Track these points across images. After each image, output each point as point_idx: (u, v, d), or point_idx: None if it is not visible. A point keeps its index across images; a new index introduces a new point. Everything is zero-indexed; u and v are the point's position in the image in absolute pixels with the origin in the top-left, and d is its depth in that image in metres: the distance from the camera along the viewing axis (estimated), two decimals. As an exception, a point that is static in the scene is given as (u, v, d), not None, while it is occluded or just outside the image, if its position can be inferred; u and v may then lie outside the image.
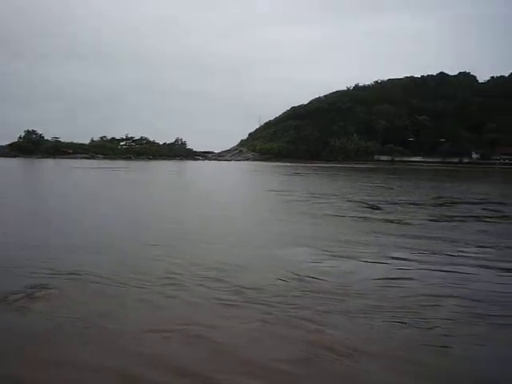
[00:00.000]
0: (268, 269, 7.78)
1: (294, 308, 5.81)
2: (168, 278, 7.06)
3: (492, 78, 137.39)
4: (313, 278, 7.22)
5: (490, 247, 10.16)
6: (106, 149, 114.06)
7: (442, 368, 4.37)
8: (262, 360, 4.41)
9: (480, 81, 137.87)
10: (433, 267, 8.11)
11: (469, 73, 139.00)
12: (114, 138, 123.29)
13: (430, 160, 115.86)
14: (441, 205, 19.47)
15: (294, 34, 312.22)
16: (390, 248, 9.78)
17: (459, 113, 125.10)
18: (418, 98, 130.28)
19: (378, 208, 17.94)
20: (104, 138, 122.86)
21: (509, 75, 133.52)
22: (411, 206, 18.92)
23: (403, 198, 21.87)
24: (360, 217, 15.03)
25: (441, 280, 7.25)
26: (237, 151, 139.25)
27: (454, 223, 13.97)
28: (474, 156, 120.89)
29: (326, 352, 4.58)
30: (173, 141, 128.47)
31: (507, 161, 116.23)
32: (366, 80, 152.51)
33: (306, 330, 5.14)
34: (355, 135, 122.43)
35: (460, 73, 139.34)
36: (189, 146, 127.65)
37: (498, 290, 6.77)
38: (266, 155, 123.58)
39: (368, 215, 15.54)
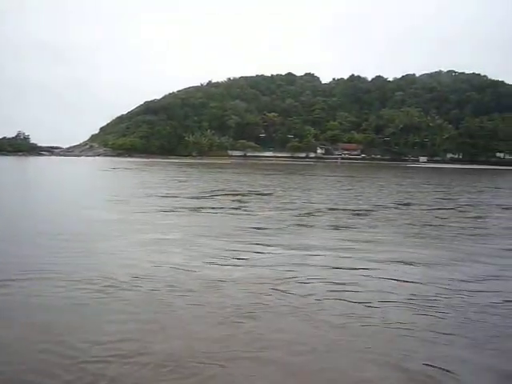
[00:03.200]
0: None
1: None
2: None
3: (333, 79, 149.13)
4: None
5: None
6: None
7: None
8: None
9: (323, 82, 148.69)
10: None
11: (313, 74, 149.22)
12: None
13: (279, 155, 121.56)
14: (195, 198, 19.61)
15: (150, 28, 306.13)
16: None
17: (306, 111, 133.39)
18: (268, 96, 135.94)
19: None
20: None
21: (348, 78, 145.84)
22: (163, 198, 18.88)
23: (169, 192, 21.79)
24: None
25: None
26: (87, 146, 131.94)
27: (161, 214, 14.03)
28: (319, 151, 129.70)
29: None
30: (14, 135, 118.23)
31: (347, 156, 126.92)
32: (219, 77, 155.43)
33: None
34: (209, 131, 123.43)
35: (306, 74, 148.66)
36: (34, 141, 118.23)
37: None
38: (118, 151, 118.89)
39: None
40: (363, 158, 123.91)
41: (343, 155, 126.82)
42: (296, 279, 7.20)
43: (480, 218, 16.22)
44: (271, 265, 8.03)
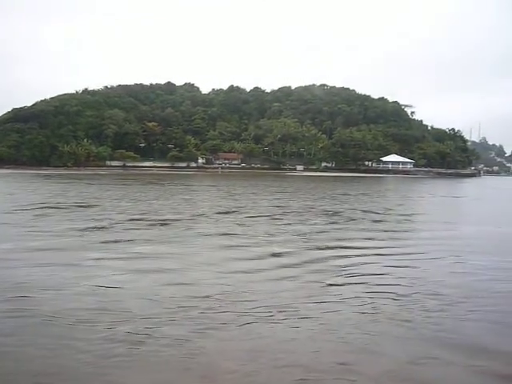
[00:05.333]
0: None
1: None
2: None
3: (213, 89, 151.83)
4: None
5: None
6: None
7: None
8: None
9: (203, 92, 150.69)
10: None
11: (193, 84, 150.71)
12: None
13: (160, 165, 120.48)
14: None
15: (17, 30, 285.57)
16: None
17: (186, 120, 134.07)
18: (147, 105, 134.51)
19: None
20: None
21: (227, 88, 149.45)
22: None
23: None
24: None
25: None
26: None
27: None
28: (200, 161, 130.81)
29: None
30: None
31: (227, 165, 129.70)
32: (95, 84, 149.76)
33: None
34: (85, 140, 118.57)
35: (185, 83, 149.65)
36: None
37: None
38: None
39: None
40: (243, 167, 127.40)
41: (224, 164, 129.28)
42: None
43: (289, 224, 17.83)
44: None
